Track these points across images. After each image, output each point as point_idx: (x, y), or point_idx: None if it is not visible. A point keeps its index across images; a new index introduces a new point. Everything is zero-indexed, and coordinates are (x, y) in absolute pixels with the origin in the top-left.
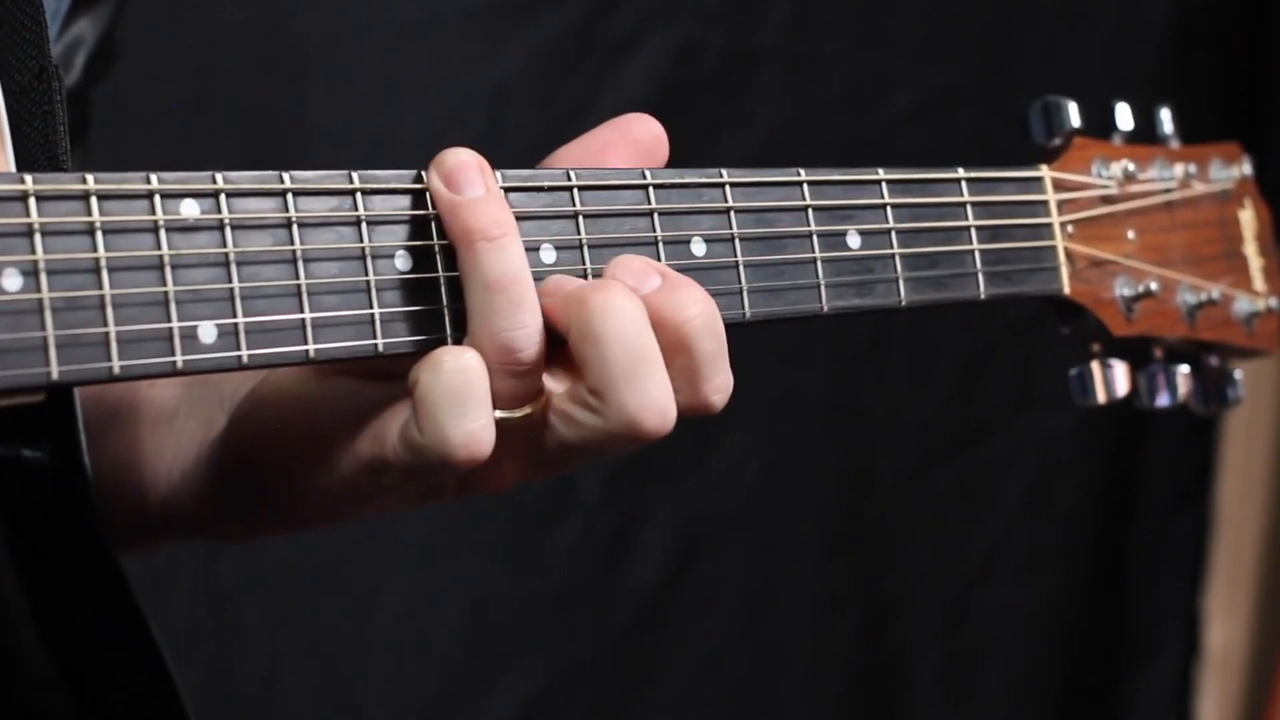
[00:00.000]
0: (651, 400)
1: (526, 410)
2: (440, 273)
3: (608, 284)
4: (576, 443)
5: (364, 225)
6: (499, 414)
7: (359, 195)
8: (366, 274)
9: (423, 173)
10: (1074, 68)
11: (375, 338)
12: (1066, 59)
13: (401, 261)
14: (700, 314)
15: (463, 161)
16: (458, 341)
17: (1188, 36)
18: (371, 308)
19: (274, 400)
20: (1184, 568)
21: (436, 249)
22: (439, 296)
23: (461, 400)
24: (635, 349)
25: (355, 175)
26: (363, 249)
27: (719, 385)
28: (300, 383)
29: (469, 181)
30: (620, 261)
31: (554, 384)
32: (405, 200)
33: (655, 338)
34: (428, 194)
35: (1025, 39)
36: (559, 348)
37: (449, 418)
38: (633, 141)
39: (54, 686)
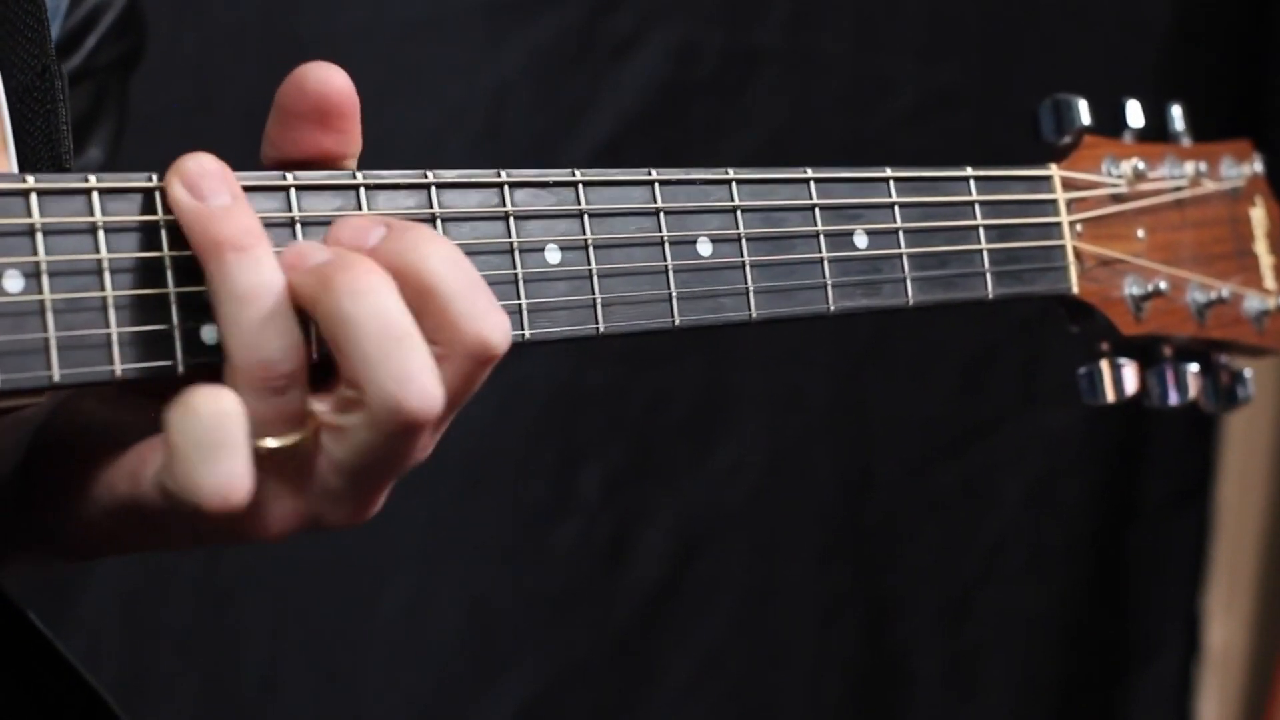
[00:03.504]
0: (412, 377)
1: (295, 437)
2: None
3: (352, 262)
4: (351, 459)
5: None
6: (271, 443)
7: (362, 191)
8: None
9: (430, 172)
10: (1074, 68)
11: None
12: (1066, 59)
13: None
14: (437, 250)
15: (207, 169)
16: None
17: (1188, 36)
18: None
19: (59, 424)
20: (1184, 568)
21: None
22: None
23: (215, 446)
24: (385, 328)
25: (359, 173)
26: None
27: (493, 324)
28: (90, 409)
29: (214, 189)
30: (341, 224)
31: (318, 405)
32: (409, 199)
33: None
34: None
35: (1025, 39)
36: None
37: (200, 465)
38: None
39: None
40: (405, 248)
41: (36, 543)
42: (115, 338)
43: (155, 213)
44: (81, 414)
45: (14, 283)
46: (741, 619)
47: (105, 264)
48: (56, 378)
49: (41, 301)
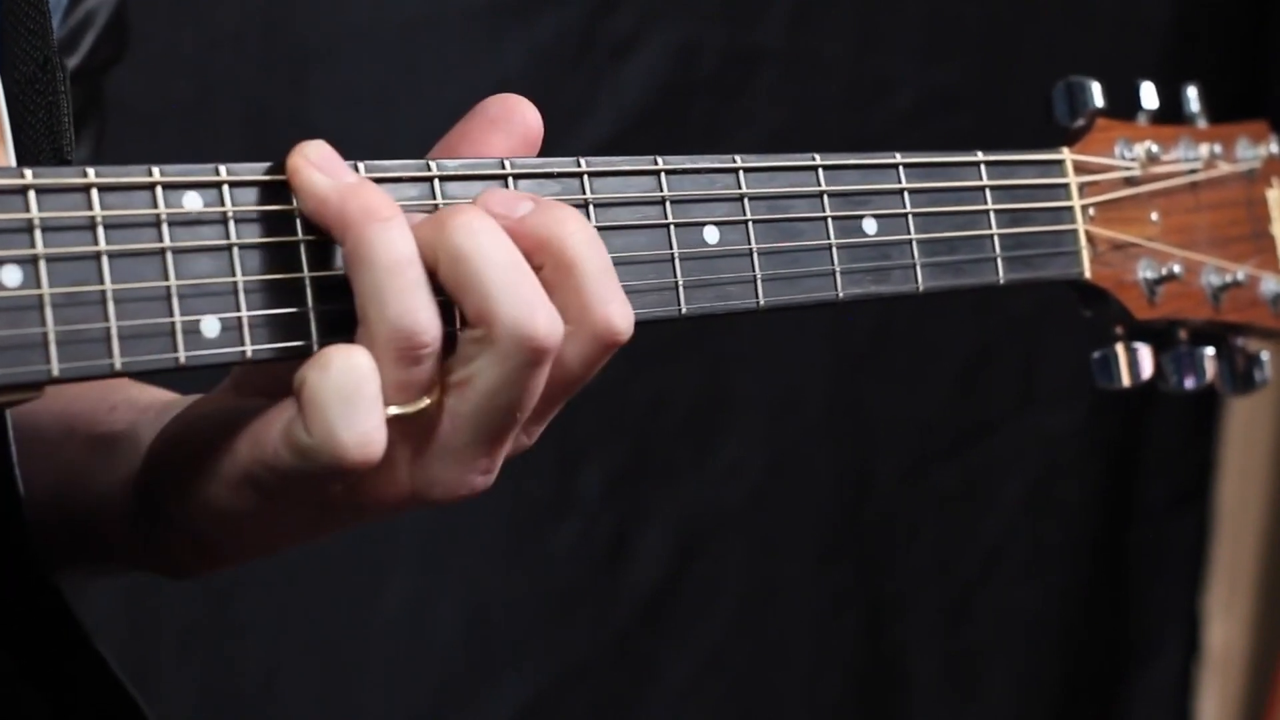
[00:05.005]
0: (536, 304)
1: (424, 402)
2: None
3: (462, 205)
4: (475, 408)
5: None
6: (394, 410)
7: None
8: None
9: (432, 163)
10: (1074, 68)
11: None
12: (1066, 59)
13: None
14: (581, 229)
15: (330, 151)
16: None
17: (1187, 36)
18: None
19: (183, 420)
20: (1184, 568)
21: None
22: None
23: (353, 399)
24: (506, 259)
25: (361, 166)
26: None
27: (621, 309)
28: (213, 404)
29: (342, 168)
30: (489, 193)
31: (442, 370)
32: (412, 189)
33: (534, 261)
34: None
35: (1025, 39)
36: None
37: (340, 417)
38: (514, 125)
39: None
40: (551, 221)
41: (156, 556)
42: (115, 331)
43: (156, 206)
44: (201, 408)
45: (12, 276)
46: (741, 619)
47: (104, 256)
48: (55, 372)
49: (40, 295)
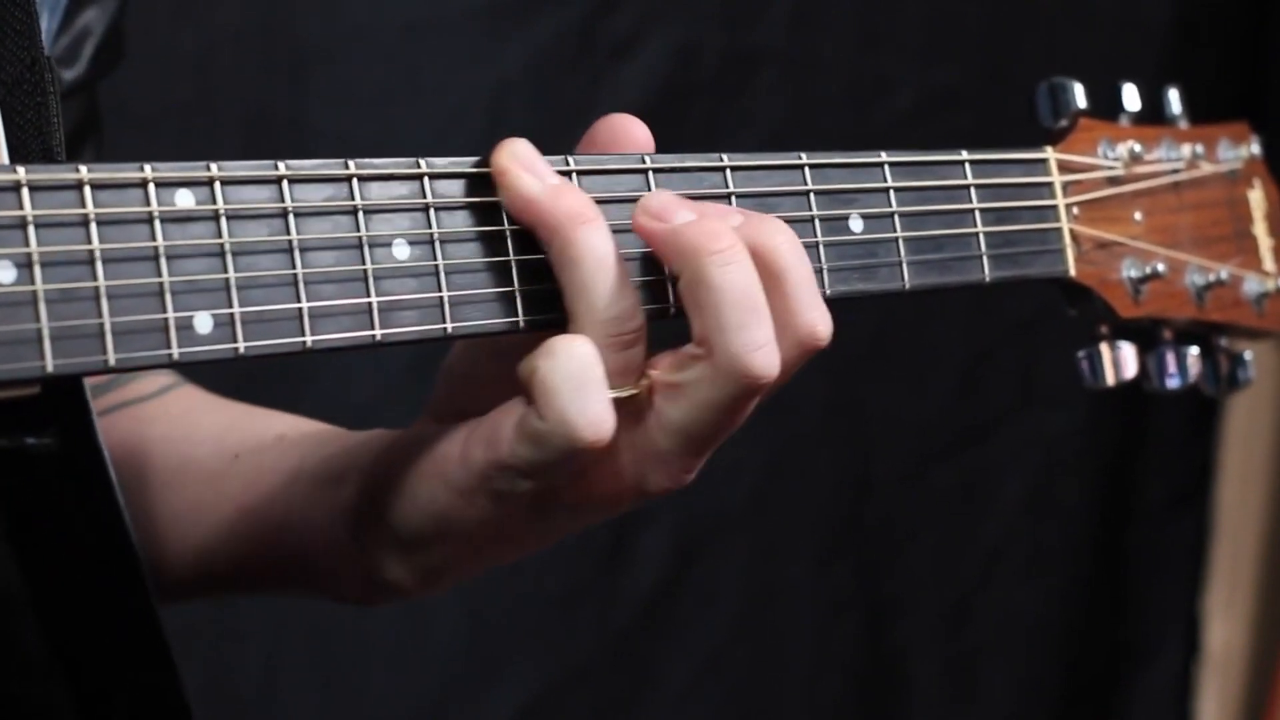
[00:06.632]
0: (760, 344)
1: (633, 389)
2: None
3: (721, 232)
4: (684, 418)
5: (360, 214)
6: (612, 393)
7: (355, 182)
8: (364, 263)
9: (421, 160)
10: (1074, 68)
11: (374, 328)
12: (1066, 59)
13: (399, 250)
14: (790, 241)
15: (534, 154)
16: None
17: (1188, 36)
18: (369, 297)
19: (403, 443)
20: (1184, 568)
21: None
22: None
23: (583, 382)
24: (751, 299)
25: (351, 163)
26: (360, 238)
27: (823, 316)
28: (425, 429)
29: (546, 170)
30: (704, 206)
31: (654, 367)
32: (403, 188)
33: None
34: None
35: (1025, 39)
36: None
37: (572, 401)
38: (626, 144)
39: (52, 676)
40: (763, 233)
41: (362, 578)
42: (108, 327)
43: (149, 203)
44: (414, 434)
45: (6, 273)
46: (741, 620)
47: (97, 254)
48: (50, 368)
49: (34, 292)
